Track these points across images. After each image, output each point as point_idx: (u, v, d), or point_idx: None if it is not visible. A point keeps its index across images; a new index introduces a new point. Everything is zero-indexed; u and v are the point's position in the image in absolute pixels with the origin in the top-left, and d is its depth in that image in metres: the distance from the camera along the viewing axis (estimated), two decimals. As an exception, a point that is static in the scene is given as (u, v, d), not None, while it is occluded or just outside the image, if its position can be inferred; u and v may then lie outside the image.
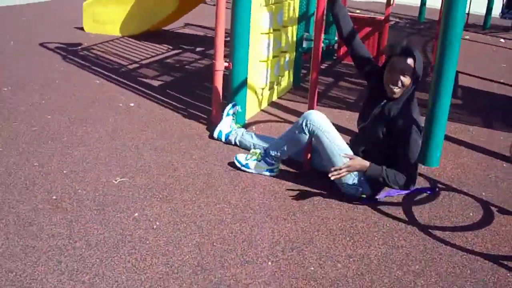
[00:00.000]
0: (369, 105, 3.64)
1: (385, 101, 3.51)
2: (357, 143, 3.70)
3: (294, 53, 5.81)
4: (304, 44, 5.92)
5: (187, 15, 8.80)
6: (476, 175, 4.13)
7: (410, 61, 3.36)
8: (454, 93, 6.18)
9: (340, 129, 4.70)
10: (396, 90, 3.40)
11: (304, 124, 3.60)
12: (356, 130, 3.85)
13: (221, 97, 4.64)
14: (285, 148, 3.78)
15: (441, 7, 5.92)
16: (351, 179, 3.51)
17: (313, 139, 3.65)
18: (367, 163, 3.37)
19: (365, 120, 3.64)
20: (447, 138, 4.66)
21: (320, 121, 3.57)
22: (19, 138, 4.20)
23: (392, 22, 12.06)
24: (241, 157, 3.89)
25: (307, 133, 3.61)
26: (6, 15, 9.61)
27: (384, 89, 3.48)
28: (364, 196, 3.58)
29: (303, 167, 3.96)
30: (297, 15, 5.67)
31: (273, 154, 3.80)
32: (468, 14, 12.33)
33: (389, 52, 3.52)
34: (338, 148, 3.50)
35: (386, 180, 3.37)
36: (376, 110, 3.55)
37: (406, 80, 3.38)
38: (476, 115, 5.62)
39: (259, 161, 3.83)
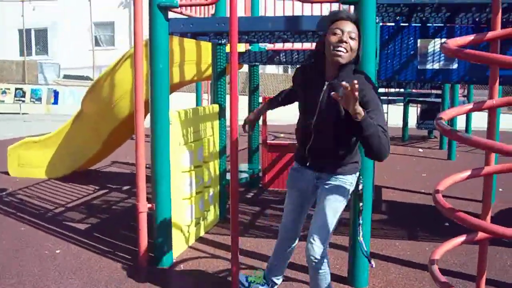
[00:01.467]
0: (309, 105, 3.30)
1: (326, 83, 3.23)
2: (311, 145, 3.36)
3: (218, 187, 5.93)
4: (228, 177, 6.06)
5: (114, 152, 8.90)
6: (404, 293, 4.22)
7: (354, 28, 3.11)
8: (378, 208, 6.42)
9: (268, 258, 4.79)
10: (343, 53, 3.06)
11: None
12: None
13: (146, 237, 4.65)
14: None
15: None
16: None
17: None
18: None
19: (313, 115, 3.27)
20: (374, 255, 4.78)
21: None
22: None
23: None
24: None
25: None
26: None
27: (318, 78, 3.26)
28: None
29: None
30: (218, 149, 5.84)
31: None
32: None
33: (333, 17, 3.16)
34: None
35: (383, 137, 2.96)
36: (323, 95, 3.22)
37: (354, 44, 3.09)
38: (401, 229, 5.79)
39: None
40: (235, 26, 3.65)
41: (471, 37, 2.50)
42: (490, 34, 2.52)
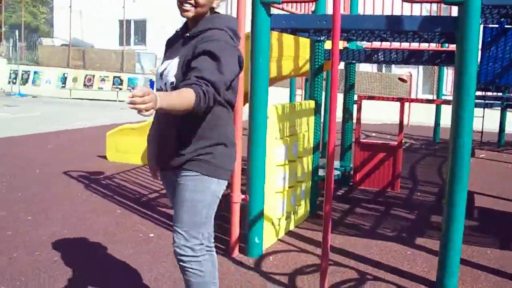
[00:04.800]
0: None
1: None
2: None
3: (310, 182, 5.97)
4: (320, 173, 6.10)
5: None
6: (494, 304, 4.13)
7: None
8: (470, 215, 6.27)
9: (357, 257, 4.80)
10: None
11: None
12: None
13: (238, 227, 4.75)
14: None
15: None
16: None
17: None
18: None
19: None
20: (464, 262, 4.67)
21: None
22: (41, 269, 4.29)
23: (407, 144, 12.32)
24: None
25: None
26: (32, 143, 9.99)
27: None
28: None
29: None
30: (312, 145, 5.88)
31: None
32: (482, 132, 12.61)
33: None
34: None
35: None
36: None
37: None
38: (494, 237, 5.64)
39: None
40: (337, 23, 3.66)
41: None
42: None
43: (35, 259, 4.51)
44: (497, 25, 5.16)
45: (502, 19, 4.79)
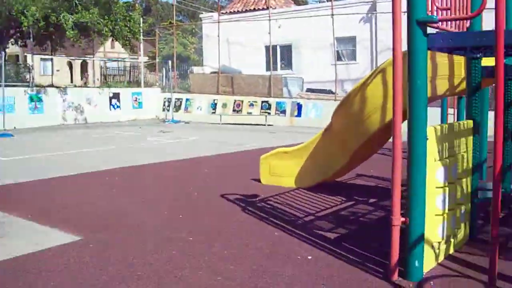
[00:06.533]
0: None
1: None
2: None
3: (470, 204, 5.78)
4: (480, 195, 5.88)
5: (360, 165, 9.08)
6: None
7: None
8: None
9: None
10: None
11: None
12: None
13: (398, 250, 4.69)
14: None
15: None
16: None
17: None
18: None
19: None
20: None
21: None
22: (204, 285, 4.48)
23: None
24: None
25: None
26: (189, 167, 10.47)
27: None
28: None
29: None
30: (471, 166, 5.70)
31: None
32: None
33: None
34: None
35: None
36: None
37: None
38: None
39: None
40: (501, 39, 3.56)
41: None
42: None
43: (199, 277, 4.70)
44: None
45: None
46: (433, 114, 13.59)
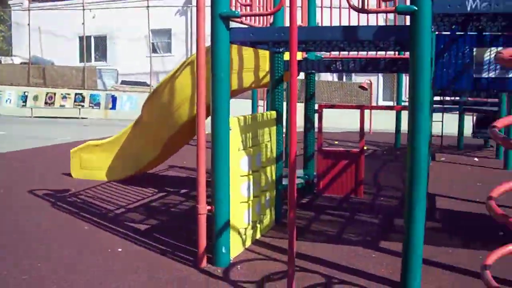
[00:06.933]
0: None
1: None
2: None
3: (274, 191, 6.08)
4: (284, 182, 6.21)
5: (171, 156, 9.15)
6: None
7: None
8: (432, 216, 6.45)
9: (323, 262, 4.90)
10: None
11: None
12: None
13: (205, 238, 4.82)
14: None
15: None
16: None
17: None
18: None
19: None
20: (427, 262, 4.81)
21: None
22: (9, 286, 4.32)
23: (370, 151, 12.52)
24: None
25: None
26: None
27: None
28: None
29: None
30: (275, 155, 5.99)
31: None
32: (442, 136, 12.93)
33: None
34: None
35: None
36: None
37: None
38: (455, 237, 5.83)
39: None
40: (295, 35, 3.80)
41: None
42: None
43: (2, 277, 4.51)
44: (448, 32, 5.36)
45: (453, 26, 4.96)
46: (245, 106, 14.13)
